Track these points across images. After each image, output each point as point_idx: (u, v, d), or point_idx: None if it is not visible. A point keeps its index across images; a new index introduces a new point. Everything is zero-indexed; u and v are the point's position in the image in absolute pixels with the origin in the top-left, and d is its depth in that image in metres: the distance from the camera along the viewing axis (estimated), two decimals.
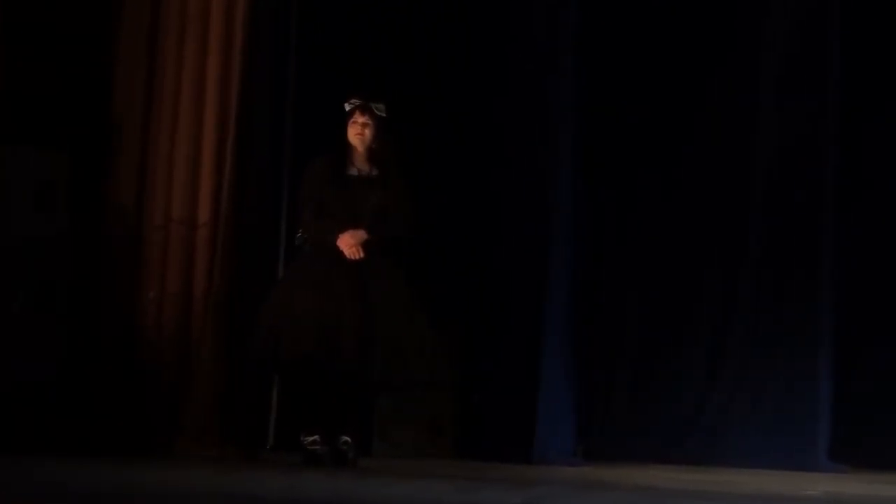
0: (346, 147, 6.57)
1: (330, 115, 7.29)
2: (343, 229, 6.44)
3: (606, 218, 7.90)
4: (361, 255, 6.40)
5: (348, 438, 6.41)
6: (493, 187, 7.56)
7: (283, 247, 7.19)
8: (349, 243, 6.40)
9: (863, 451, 7.70)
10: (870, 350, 7.93)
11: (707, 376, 7.81)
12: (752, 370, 7.69)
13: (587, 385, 7.73)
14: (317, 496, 5.06)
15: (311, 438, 6.37)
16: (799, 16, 7.66)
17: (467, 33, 7.63)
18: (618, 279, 7.97)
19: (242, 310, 6.74)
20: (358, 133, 6.53)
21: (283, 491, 5.26)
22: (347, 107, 6.57)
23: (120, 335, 6.79)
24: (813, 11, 7.63)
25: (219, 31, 6.91)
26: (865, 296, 7.95)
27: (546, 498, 5.34)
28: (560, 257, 7.49)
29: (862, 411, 7.75)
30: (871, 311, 7.93)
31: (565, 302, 7.53)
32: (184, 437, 6.52)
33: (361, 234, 6.42)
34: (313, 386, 6.45)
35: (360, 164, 6.59)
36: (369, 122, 6.54)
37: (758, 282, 7.76)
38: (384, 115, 6.58)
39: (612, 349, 8.00)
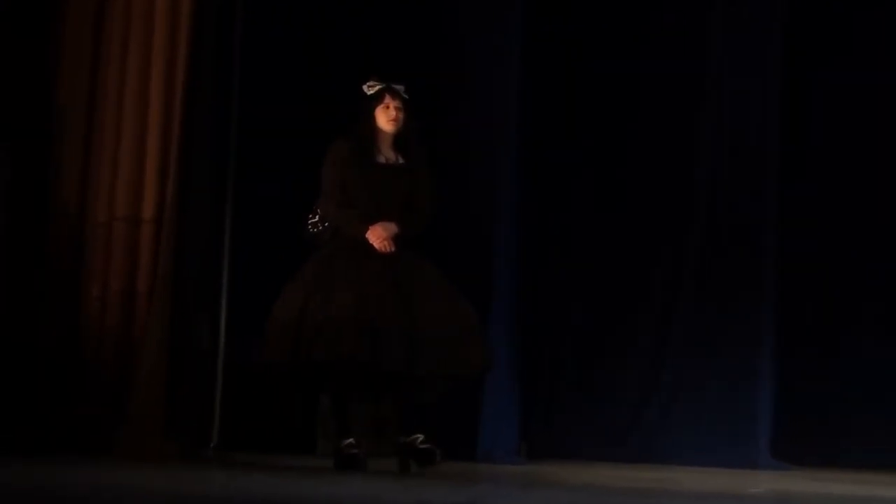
0: (372, 132, 6.26)
1: (275, 112, 7.29)
2: (371, 220, 6.17)
3: (550, 219, 7.98)
4: (393, 248, 6.13)
5: (421, 436, 6.08)
6: (439, 191, 7.51)
7: (227, 243, 7.15)
8: (381, 236, 6.12)
9: (805, 449, 7.81)
10: (810, 348, 8.05)
11: (649, 375, 7.90)
12: (694, 369, 7.79)
13: (531, 384, 7.78)
14: (259, 495, 5.02)
15: (346, 442, 6.12)
16: (742, 20, 7.78)
17: (413, 39, 7.59)
18: (561, 279, 8.05)
19: (186, 306, 6.67)
20: (392, 119, 6.21)
21: (225, 490, 5.24)
22: (369, 91, 6.26)
23: (62, 333, 6.72)
24: (756, 16, 7.78)
25: (164, 26, 6.81)
26: (806, 295, 8.08)
27: (490, 496, 5.37)
28: (505, 258, 7.53)
29: (803, 409, 7.88)
30: (811, 311, 8.06)
31: (510, 302, 7.57)
32: (126, 436, 6.44)
33: (393, 227, 6.14)
34: (355, 389, 6.19)
35: (385, 151, 6.28)
36: (401, 106, 6.24)
37: (699, 281, 7.87)
38: (407, 97, 6.30)
39: (556, 348, 8.06)
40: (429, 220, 6.28)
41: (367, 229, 6.13)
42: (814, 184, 8.17)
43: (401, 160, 6.27)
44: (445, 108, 7.54)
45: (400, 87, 6.25)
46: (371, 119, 6.23)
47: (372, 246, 6.12)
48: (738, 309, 7.77)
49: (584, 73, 7.97)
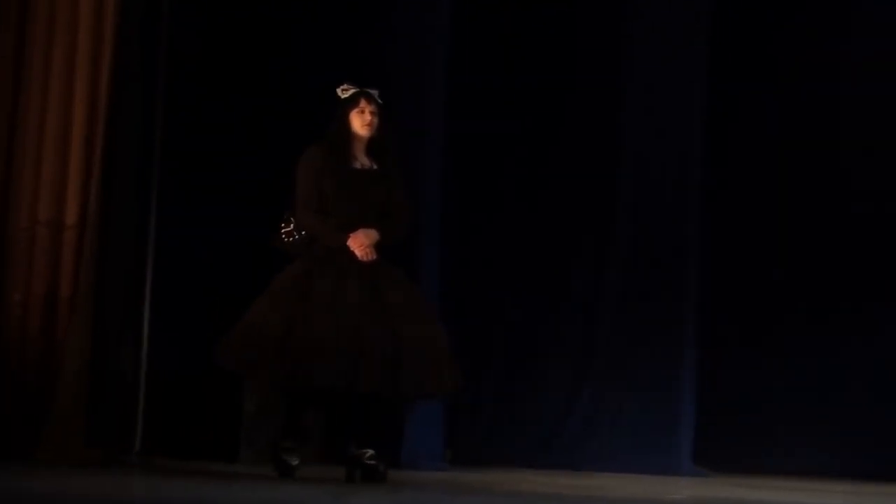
0: (347, 137, 6.16)
1: (200, 117, 7.21)
2: (349, 228, 6.04)
3: (474, 222, 8.04)
4: (375, 256, 6.02)
5: (373, 451, 6.03)
6: None
7: (151, 249, 7.04)
8: (363, 243, 6.00)
9: (725, 456, 7.97)
10: (730, 359, 8.20)
11: (574, 383, 7.97)
12: (617, 377, 7.88)
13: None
14: (186, 501, 5.00)
15: (287, 445, 6.13)
16: (666, 21, 7.93)
17: (341, 32, 7.58)
18: (486, 289, 8.12)
19: (108, 312, 6.64)
20: (367, 123, 6.11)
21: (150, 496, 5.22)
22: (343, 94, 6.17)
23: None
24: (680, 22, 7.91)
25: (89, 28, 6.76)
26: (727, 305, 8.23)
27: (415, 502, 5.40)
28: (430, 261, 7.52)
29: (724, 418, 8.02)
30: (731, 323, 8.20)
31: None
32: (48, 440, 6.41)
33: (374, 234, 6.02)
34: (335, 405, 6.15)
35: (360, 157, 6.18)
36: (376, 110, 6.14)
37: (622, 293, 7.97)
38: (381, 102, 6.21)
39: (481, 357, 8.06)
40: (409, 226, 6.23)
41: (347, 237, 6.02)
42: (739, 189, 8.31)
43: (375, 165, 6.18)
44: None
45: (375, 92, 6.17)
46: (346, 123, 6.14)
47: (352, 255, 6.01)
48: (660, 320, 7.87)
49: (509, 82, 8.04)
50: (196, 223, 7.21)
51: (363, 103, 6.11)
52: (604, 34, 8.03)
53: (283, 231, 6.19)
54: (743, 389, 8.15)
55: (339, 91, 6.17)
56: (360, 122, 6.12)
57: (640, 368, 7.83)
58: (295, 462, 6.10)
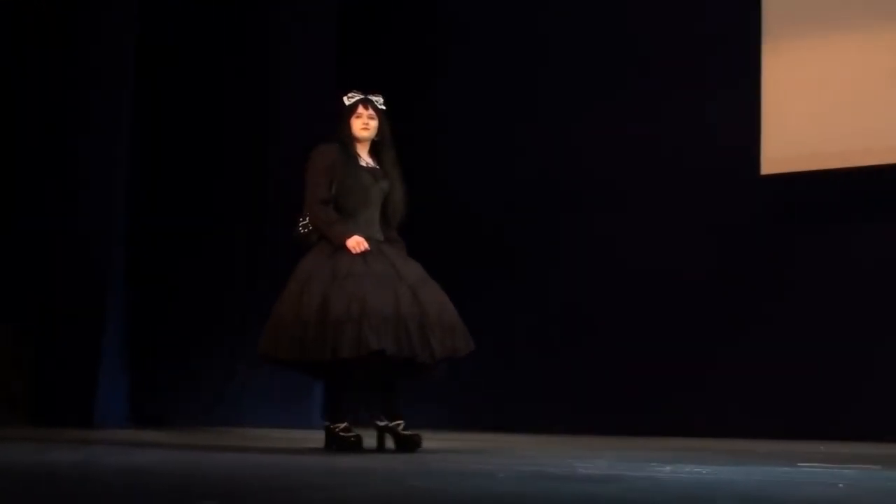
0: (350, 138, 6.37)
1: None
2: (355, 218, 6.25)
3: (156, 246, 8.92)
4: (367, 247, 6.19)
5: (402, 422, 6.17)
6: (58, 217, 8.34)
7: None
8: (361, 244, 6.19)
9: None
10: None
11: (231, 358, 8.79)
12: None
13: (140, 365, 8.57)
14: None
15: (343, 425, 6.23)
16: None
17: (38, 74, 8.41)
18: (164, 289, 8.95)
19: None
20: (364, 126, 6.35)
21: None
22: (347, 101, 6.39)
23: None
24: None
25: None
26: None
27: (101, 455, 5.74)
28: (118, 259, 8.41)
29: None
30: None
31: (122, 301, 8.47)
32: None
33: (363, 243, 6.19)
34: (379, 375, 6.16)
35: (364, 156, 6.41)
36: (374, 115, 6.37)
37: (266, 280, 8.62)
38: (384, 108, 6.41)
39: (160, 335, 8.83)
40: (404, 218, 6.43)
41: (346, 237, 6.18)
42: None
43: (377, 164, 6.42)
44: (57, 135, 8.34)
45: (378, 99, 6.43)
46: (347, 127, 6.39)
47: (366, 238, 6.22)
48: None
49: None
50: None
51: (360, 109, 6.39)
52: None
53: (300, 224, 6.37)
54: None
55: (345, 98, 6.43)
56: (358, 126, 6.39)
57: None
58: (357, 437, 6.17)
